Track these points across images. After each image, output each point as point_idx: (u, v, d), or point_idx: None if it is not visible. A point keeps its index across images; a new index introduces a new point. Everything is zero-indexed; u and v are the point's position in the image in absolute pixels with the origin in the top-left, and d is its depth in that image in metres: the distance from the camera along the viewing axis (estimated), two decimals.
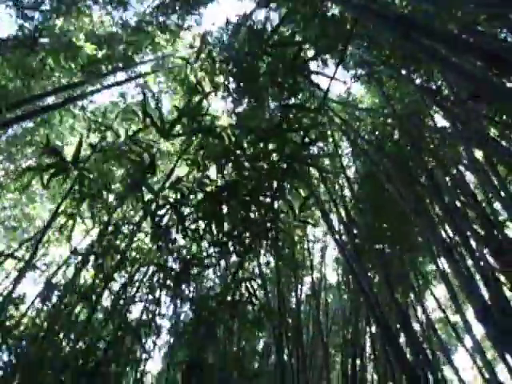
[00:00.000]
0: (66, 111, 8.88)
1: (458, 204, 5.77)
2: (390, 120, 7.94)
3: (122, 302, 3.94)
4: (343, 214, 6.88)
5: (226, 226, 3.59)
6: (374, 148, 6.76)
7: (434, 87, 7.06)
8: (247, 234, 3.63)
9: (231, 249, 3.70)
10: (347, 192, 8.90)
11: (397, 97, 7.65)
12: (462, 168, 6.28)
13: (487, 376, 5.43)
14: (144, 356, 4.66)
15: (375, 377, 8.05)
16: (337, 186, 9.17)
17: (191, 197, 3.63)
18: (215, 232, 3.57)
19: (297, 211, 3.75)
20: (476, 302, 4.13)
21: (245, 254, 3.87)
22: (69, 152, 4.03)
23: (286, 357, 6.87)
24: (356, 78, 7.94)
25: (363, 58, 7.32)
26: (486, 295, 4.40)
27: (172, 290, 3.86)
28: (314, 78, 3.75)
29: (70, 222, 3.96)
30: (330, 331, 9.94)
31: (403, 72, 6.67)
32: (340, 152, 9.48)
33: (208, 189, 3.54)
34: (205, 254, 3.96)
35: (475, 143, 4.82)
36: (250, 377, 5.94)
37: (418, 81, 6.93)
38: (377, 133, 8.73)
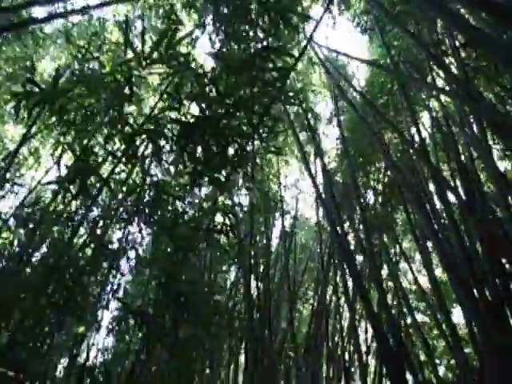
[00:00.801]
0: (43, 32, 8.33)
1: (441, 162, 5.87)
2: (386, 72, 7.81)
3: (100, 229, 3.96)
4: (325, 160, 6.92)
5: (202, 158, 3.65)
6: (364, 99, 6.65)
7: (432, 40, 6.92)
8: (222, 166, 3.72)
9: (206, 179, 3.78)
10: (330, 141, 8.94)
11: (396, 47, 7.48)
12: (453, 127, 6.29)
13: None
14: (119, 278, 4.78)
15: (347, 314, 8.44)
16: (322, 135, 9.19)
17: (168, 128, 3.62)
18: (190, 163, 3.64)
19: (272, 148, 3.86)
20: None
21: (220, 186, 3.96)
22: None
23: (253, 292, 7.15)
24: (359, 27, 7.83)
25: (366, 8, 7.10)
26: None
27: (147, 216, 3.87)
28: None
29: (49, 147, 3.88)
30: (304, 270, 10.40)
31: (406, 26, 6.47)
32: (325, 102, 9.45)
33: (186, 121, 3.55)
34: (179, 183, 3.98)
35: (463, 98, 4.79)
36: (219, 311, 6.22)
37: (415, 32, 6.76)
38: (366, 83, 8.66)
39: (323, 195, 5.95)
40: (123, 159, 3.79)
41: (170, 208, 4.13)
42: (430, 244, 6.76)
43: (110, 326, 5.27)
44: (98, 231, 4.04)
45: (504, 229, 4.73)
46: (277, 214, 9.48)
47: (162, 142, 3.65)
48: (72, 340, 4.55)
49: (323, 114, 9.85)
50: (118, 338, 6.49)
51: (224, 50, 4.21)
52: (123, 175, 4.19)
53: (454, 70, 5.96)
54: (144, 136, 3.58)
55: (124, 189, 4.10)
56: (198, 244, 4.21)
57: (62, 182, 3.62)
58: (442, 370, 10.54)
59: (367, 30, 8.09)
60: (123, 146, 3.67)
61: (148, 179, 4.00)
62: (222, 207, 4.28)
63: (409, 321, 7.10)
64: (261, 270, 7.61)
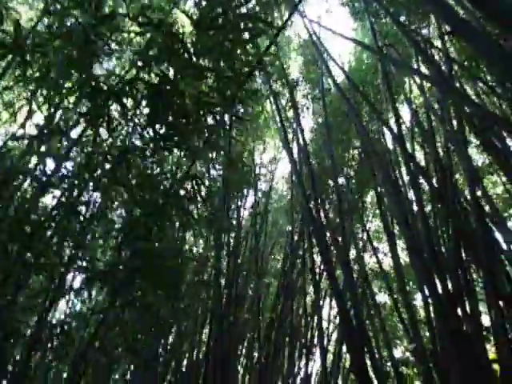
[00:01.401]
0: None
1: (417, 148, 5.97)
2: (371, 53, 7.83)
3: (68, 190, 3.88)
4: (304, 138, 6.90)
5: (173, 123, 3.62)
6: (348, 80, 6.64)
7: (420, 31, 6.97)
8: (194, 133, 3.69)
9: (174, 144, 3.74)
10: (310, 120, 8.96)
11: (384, 34, 7.48)
12: (433, 118, 6.39)
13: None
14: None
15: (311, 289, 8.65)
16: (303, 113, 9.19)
17: (137, 89, 3.53)
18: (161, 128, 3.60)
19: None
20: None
21: (192, 154, 3.94)
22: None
23: (224, 265, 7.22)
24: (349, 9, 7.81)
25: None
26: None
27: (112, 177, 3.78)
28: None
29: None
30: (273, 246, 10.55)
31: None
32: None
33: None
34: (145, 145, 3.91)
35: (445, 88, 4.86)
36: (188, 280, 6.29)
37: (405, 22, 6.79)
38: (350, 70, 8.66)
39: (299, 173, 5.98)
40: (91, 120, 3.68)
41: (137, 172, 4.03)
42: (397, 228, 6.96)
43: (78, 288, 5.23)
44: (67, 193, 3.95)
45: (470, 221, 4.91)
46: (251, 191, 9.51)
47: (130, 103, 3.57)
48: (41, 301, 4.49)
49: (307, 92, 9.80)
50: (84, 300, 6.48)
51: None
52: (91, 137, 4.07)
53: (439, 63, 6.03)
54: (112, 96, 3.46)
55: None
56: (166, 211, 4.16)
57: (32, 139, 3.51)
58: (399, 351, 11.05)
59: (358, 14, 8.07)
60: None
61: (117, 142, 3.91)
62: (194, 175, 4.22)
63: (371, 302, 7.35)
64: (231, 243, 7.67)
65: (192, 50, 3.44)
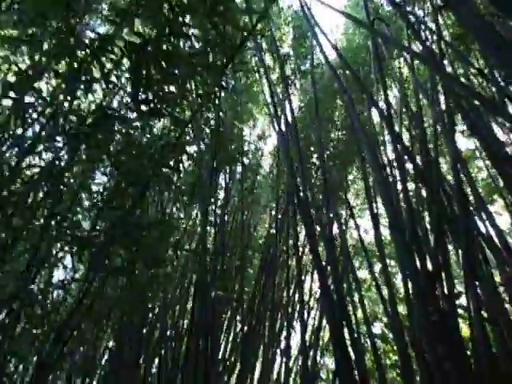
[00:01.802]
0: None
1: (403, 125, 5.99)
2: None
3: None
4: (292, 112, 6.84)
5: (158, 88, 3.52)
6: (339, 57, 6.56)
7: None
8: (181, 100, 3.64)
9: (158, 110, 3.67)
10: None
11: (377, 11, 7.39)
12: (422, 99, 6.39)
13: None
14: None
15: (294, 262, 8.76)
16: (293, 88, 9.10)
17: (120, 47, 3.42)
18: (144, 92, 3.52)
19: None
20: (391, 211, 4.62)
21: (177, 122, 3.89)
22: None
23: (210, 238, 7.25)
24: None
25: None
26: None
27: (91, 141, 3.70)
28: None
29: None
30: (259, 220, 10.62)
31: None
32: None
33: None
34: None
35: (435, 67, 4.85)
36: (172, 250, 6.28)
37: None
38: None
39: (286, 148, 5.97)
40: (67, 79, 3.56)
41: (119, 138, 3.95)
42: (380, 206, 7.06)
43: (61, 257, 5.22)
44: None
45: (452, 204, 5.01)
46: (238, 167, 9.48)
47: (110, 65, 3.45)
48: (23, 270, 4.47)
49: (297, 67, 9.69)
50: (66, 268, 6.50)
51: None
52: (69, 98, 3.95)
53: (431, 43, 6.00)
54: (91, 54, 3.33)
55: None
56: (148, 179, 4.11)
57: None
58: (378, 327, 11.37)
59: None
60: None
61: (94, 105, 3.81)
62: (178, 144, 4.17)
63: (352, 277, 7.51)
64: (218, 217, 7.69)
65: (176, 8, 3.32)
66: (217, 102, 7.09)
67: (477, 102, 5.16)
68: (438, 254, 4.60)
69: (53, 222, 3.99)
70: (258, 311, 8.09)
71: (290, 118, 6.37)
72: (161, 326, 7.61)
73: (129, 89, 3.69)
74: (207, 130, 7.67)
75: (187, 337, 6.86)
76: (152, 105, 3.62)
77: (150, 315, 7.66)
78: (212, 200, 7.22)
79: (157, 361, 7.66)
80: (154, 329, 7.70)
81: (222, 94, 7.86)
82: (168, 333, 7.71)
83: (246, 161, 9.56)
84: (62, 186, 4.04)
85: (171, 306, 7.92)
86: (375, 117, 7.47)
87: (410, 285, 4.67)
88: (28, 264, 4.16)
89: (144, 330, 7.33)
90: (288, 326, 8.19)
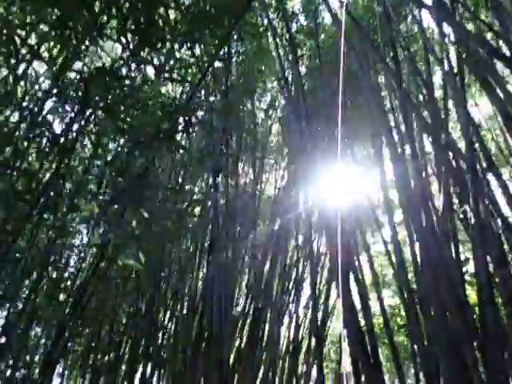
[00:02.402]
0: None
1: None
2: None
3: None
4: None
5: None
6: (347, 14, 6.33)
7: None
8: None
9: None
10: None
11: None
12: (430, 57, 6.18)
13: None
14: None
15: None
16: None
17: None
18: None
19: None
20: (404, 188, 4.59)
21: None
22: None
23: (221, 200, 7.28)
24: None
25: None
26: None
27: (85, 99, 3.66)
28: None
29: None
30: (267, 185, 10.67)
31: None
32: None
33: None
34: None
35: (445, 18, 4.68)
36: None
37: None
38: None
39: (295, 112, 5.91)
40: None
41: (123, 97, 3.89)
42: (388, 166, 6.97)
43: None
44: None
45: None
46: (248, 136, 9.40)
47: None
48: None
49: (304, 26, 9.35)
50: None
51: None
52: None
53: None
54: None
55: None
56: (155, 142, 4.10)
57: None
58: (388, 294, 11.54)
59: None
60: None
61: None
62: (187, 106, 4.13)
63: (360, 240, 7.52)
64: (230, 185, 7.71)
65: None
66: (226, 66, 6.96)
67: (491, 59, 5.02)
68: (447, 217, 4.60)
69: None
70: (268, 275, 8.28)
71: (298, 81, 6.25)
72: (176, 289, 7.86)
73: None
74: (217, 96, 7.59)
75: (202, 299, 7.06)
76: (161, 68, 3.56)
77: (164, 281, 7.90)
78: (220, 166, 7.19)
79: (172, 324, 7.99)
80: (167, 291, 7.96)
81: (233, 61, 7.74)
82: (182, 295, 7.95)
83: (256, 128, 9.49)
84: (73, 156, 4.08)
85: (185, 271, 8.11)
86: (383, 78, 7.30)
87: (418, 249, 4.70)
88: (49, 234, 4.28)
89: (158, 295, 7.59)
90: (297, 285, 8.37)
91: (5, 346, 3.70)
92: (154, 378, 7.20)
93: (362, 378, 4.18)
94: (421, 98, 6.90)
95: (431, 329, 4.21)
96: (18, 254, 3.93)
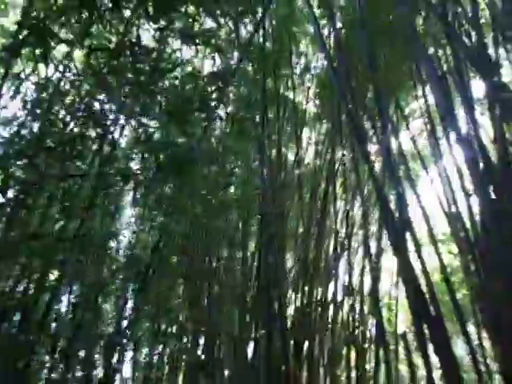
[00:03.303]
0: None
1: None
2: None
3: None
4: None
5: None
6: None
7: None
8: None
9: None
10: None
11: None
12: None
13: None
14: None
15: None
16: None
17: None
18: None
19: None
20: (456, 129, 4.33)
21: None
22: None
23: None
24: None
25: None
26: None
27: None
28: None
29: None
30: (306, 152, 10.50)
31: None
32: None
33: None
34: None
35: None
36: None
37: None
38: None
39: (334, 69, 5.68)
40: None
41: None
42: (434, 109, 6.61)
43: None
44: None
45: None
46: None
47: None
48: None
49: None
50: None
51: None
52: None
53: None
54: None
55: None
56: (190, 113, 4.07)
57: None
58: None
59: None
60: None
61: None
62: (221, 74, 4.05)
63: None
64: (272, 156, 7.65)
65: None
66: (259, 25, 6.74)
67: None
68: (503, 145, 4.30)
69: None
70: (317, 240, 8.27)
71: (335, 36, 5.99)
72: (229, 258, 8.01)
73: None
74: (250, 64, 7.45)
75: (256, 270, 7.15)
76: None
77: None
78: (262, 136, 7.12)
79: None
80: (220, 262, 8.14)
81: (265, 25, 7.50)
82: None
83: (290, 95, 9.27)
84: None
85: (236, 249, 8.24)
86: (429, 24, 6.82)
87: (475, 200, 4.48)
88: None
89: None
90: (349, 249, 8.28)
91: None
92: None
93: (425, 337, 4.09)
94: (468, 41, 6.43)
95: (491, 283, 4.04)
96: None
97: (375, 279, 5.83)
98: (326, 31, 7.39)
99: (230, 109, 5.79)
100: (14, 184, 3.35)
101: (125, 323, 6.31)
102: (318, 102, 9.99)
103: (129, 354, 7.59)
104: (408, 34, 5.12)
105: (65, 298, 4.74)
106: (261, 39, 7.02)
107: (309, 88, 10.27)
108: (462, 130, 4.33)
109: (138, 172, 4.18)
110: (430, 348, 4.01)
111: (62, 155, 3.63)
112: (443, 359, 3.72)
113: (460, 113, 4.63)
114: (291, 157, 9.56)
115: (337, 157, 8.50)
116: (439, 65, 5.96)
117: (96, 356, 5.58)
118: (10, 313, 3.47)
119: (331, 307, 8.31)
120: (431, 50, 6.11)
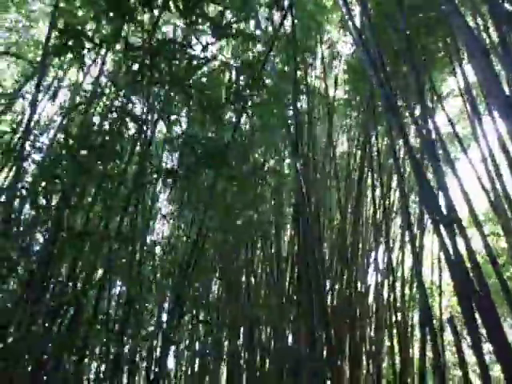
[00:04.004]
0: None
1: None
2: None
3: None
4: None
5: None
6: None
7: None
8: None
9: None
10: None
11: None
12: None
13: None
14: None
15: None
16: None
17: None
18: None
19: None
20: (498, 99, 4.11)
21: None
22: None
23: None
24: None
25: None
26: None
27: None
28: None
29: None
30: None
31: None
32: None
33: None
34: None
35: None
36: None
37: None
38: None
39: (364, 44, 5.52)
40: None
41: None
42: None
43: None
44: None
45: None
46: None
47: None
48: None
49: None
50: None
51: None
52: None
53: None
54: None
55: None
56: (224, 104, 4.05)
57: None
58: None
59: None
60: None
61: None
62: (252, 62, 4.01)
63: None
64: (304, 140, 7.56)
65: None
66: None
67: None
68: None
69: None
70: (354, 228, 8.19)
71: (365, 15, 5.80)
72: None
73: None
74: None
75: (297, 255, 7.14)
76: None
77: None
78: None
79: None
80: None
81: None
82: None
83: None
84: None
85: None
86: None
87: None
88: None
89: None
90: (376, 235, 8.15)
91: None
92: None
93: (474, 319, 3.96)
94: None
95: None
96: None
97: (418, 263, 5.67)
98: (356, 11, 7.20)
99: (260, 99, 5.74)
100: (58, 187, 3.44)
101: (165, 317, 6.45)
102: (348, 87, 9.83)
103: (172, 347, 7.76)
104: (445, 7, 4.90)
105: (110, 294, 4.89)
106: (288, 29, 6.92)
107: (337, 75, 10.14)
108: (507, 107, 4.12)
109: (175, 167, 4.22)
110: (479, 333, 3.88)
111: (100, 155, 3.70)
112: (496, 342, 3.60)
113: (505, 89, 4.39)
114: (323, 145, 9.47)
115: (371, 141, 8.35)
116: (481, 38, 5.70)
117: (141, 350, 5.75)
118: (63, 310, 3.60)
119: (372, 293, 8.24)
120: (472, 23, 5.85)
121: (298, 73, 7.70)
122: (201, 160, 3.91)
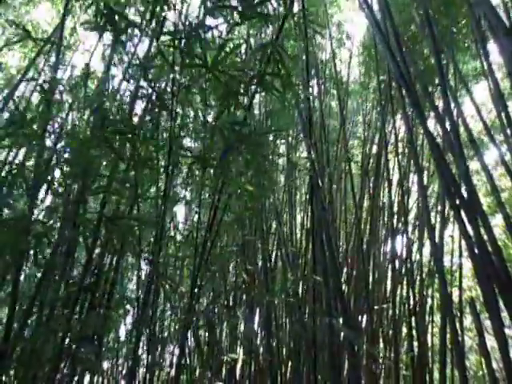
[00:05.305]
0: None
1: None
2: None
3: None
4: None
5: None
6: None
7: None
8: None
9: None
10: None
11: None
12: None
13: None
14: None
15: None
16: None
17: None
18: None
19: None
20: None
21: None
22: None
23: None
24: None
25: None
26: None
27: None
28: None
29: None
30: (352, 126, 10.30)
31: None
32: None
33: None
34: None
35: None
36: None
37: None
38: None
39: (378, 23, 5.42)
40: None
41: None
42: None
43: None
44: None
45: None
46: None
47: None
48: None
49: None
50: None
51: None
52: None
53: None
54: None
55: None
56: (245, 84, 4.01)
57: None
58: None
59: None
60: None
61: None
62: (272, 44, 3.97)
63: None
64: (317, 123, 7.52)
65: None
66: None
67: None
68: None
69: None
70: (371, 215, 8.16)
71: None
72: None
73: None
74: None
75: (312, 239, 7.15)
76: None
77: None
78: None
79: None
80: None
81: None
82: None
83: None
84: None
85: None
86: None
87: None
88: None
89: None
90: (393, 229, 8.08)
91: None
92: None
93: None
94: None
95: None
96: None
97: (437, 248, 5.64)
98: None
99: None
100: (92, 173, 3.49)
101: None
102: (363, 70, 9.71)
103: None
104: None
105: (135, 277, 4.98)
106: (298, 9, 6.83)
107: (350, 58, 10.03)
108: None
109: (205, 153, 4.19)
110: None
111: (131, 140, 3.73)
112: None
113: None
114: (338, 129, 9.40)
115: (388, 126, 8.27)
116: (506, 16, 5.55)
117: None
118: (95, 290, 3.69)
119: (389, 279, 8.24)
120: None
121: (310, 56, 7.63)
122: (234, 145, 3.87)
